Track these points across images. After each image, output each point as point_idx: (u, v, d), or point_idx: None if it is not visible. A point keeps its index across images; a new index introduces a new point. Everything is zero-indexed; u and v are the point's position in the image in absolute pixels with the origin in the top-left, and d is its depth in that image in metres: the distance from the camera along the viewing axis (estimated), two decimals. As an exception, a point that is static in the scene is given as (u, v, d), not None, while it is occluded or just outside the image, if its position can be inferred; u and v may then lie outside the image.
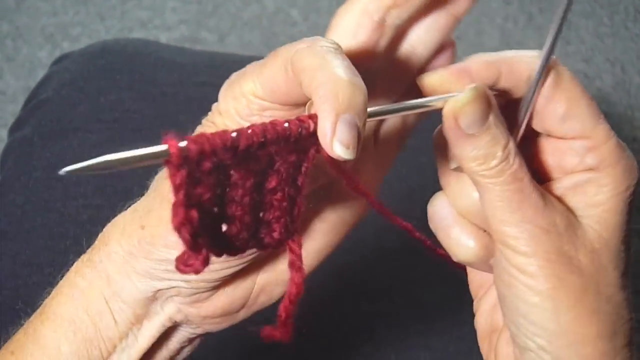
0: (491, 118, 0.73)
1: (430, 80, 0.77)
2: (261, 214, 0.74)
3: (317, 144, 0.69)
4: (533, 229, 0.73)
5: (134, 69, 1.50)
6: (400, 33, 0.80)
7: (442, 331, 1.32)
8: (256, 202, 0.72)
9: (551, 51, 0.74)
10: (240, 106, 0.75)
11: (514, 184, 0.73)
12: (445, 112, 0.74)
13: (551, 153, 0.79)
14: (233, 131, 0.67)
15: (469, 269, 0.89)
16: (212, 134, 0.66)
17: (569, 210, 0.76)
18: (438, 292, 1.34)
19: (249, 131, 0.68)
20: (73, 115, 1.46)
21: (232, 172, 0.70)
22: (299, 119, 0.69)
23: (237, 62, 1.64)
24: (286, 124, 0.69)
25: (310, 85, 0.66)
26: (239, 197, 0.71)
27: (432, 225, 0.83)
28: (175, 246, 0.76)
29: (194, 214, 0.66)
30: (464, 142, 0.73)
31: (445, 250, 0.86)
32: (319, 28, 2.84)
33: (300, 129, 0.69)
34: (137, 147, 0.69)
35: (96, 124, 1.43)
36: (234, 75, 0.76)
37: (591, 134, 0.75)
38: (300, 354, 1.27)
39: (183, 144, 0.65)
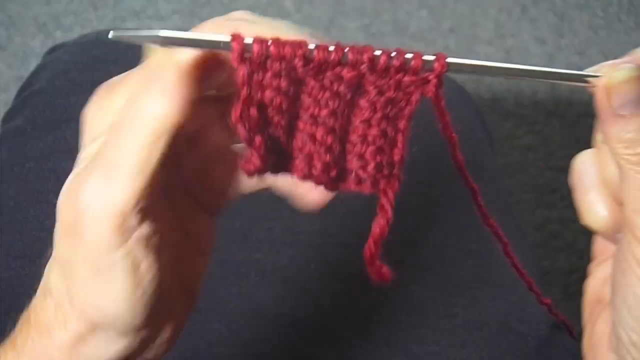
0: None
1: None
2: (352, 146, 0.75)
3: (423, 88, 0.73)
4: None
5: (128, 60, 1.49)
6: None
7: (434, 325, 1.32)
8: (343, 128, 0.74)
9: None
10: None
11: None
12: (599, 85, 0.73)
13: None
14: (312, 42, 0.71)
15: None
16: (286, 40, 0.70)
17: None
18: (430, 286, 1.34)
19: (331, 47, 0.71)
20: (66, 106, 1.45)
21: (310, 86, 0.73)
22: (397, 50, 0.72)
23: (231, 54, 1.64)
24: (378, 52, 0.72)
25: None
26: (322, 117, 0.73)
27: (572, 180, 0.82)
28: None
29: (253, 112, 0.70)
30: (612, 120, 0.72)
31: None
32: (312, 19, 2.84)
33: (390, 60, 0.72)
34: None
35: (89, 115, 1.43)
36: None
37: None
38: (292, 347, 1.27)
39: (249, 40, 0.69)
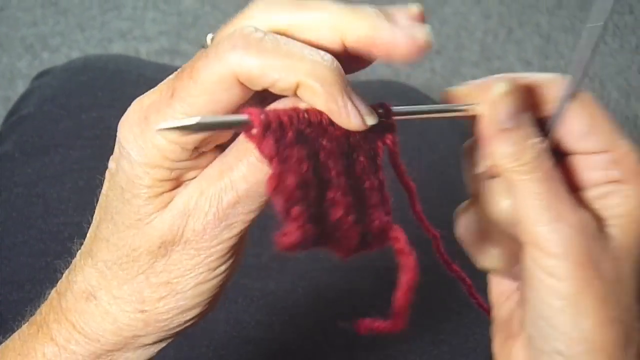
0: (526, 115, 0.75)
1: (458, 91, 0.79)
2: (363, 200, 0.75)
3: (382, 136, 0.74)
4: (566, 229, 0.73)
5: (116, 86, 1.50)
6: None
7: (421, 351, 1.32)
8: (353, 186, 0.74)
9: (585, 71, 0.77)
10: (172, 151, 0.72)
11: (548, 182, 0.74)
12: (484, 106, 0.76)
13: (575, 170, 0.80)
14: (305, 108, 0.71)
15: (490, 278, 0.91)
16: (284, 109, 0.70)
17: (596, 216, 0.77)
18: (418, 312, 1.34)
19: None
20: (54, 132, 1.46)
21: (321, 152, 0.72)
22: None
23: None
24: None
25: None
26: (335, 179, 0.72)
27: (458, 232, 0.84)
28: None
29: (290, 181, 0.68)
30: (499, 137, 0.75)
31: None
32: (300, 41, 2.85)
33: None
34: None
35: (77, 141, 1.42)
36: (140, 115, 0.72)
37: (613, 147, 0.77)
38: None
39: (262, 114, 0.68)
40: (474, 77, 0.80)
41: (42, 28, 2.95)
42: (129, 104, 0.76)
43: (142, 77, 1.52)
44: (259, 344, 1.29)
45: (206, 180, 0.73)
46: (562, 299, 0.74)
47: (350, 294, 1.34)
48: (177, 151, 0.71)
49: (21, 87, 2.63)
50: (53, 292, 0.81)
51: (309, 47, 0.69)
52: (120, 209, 0.75)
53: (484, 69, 2.81)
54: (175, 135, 0.69)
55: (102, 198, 0.78)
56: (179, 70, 0.73)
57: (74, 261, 0.81)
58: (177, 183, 0.74)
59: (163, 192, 0.74)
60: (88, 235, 0.80)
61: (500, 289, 0.90)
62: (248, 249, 1.39)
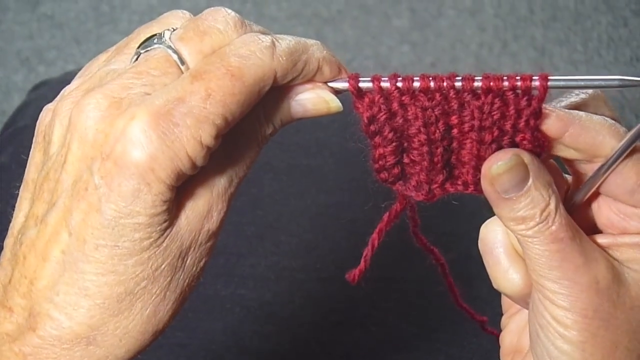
0: (531, 182, 0.73)
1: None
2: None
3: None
4: (572, 286, 0.73)
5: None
6: None
7: (417, 361, 1.33)
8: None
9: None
10: (203, 156, 0.68)
11: (553, 244, 0.74)
12: (482, 175, 0.75)
13: (616, 212, 0.79)
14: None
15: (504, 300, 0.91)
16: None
17: (617, 264, 0.76)
18: (414, 322, 1.35)
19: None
20: (51, 144, 1.45)
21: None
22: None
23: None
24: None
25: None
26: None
27: (481, 247, 0.83)
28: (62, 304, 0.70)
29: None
30: (501, 204, 0.75)
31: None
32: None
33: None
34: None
35: (74, 153, 1.42)
36: (156, 117, 0.66)
37: None
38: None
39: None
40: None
41: (38, 42, 2.96)
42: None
43: (138, 89, 1.52)
44: (255, 354, 1.29)
45: (211, 177, 0.72)
46: (568, 344, 0.74)
47: (346, 304, 1.34)
48: (205, 155, 0.68)
49: (17, 100, 2.63)
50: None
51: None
52: (128, 235, 0.68)
53: (479, 81, 2.80)
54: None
55: (79, 227, 0.69)
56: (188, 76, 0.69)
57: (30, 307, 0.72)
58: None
59: (172, 202, 0.69)
60: (58, 275, 0.71)
61: (511, 302, 0.89)
62: (244, 260, 1.40)
